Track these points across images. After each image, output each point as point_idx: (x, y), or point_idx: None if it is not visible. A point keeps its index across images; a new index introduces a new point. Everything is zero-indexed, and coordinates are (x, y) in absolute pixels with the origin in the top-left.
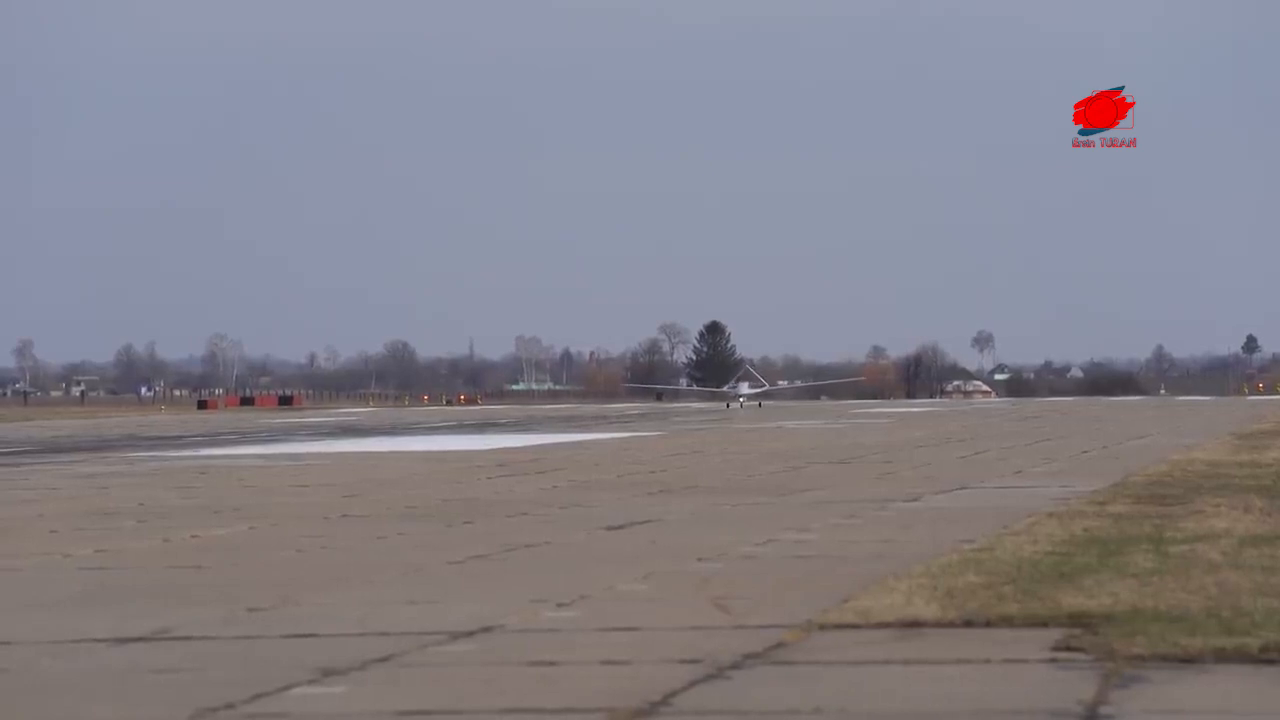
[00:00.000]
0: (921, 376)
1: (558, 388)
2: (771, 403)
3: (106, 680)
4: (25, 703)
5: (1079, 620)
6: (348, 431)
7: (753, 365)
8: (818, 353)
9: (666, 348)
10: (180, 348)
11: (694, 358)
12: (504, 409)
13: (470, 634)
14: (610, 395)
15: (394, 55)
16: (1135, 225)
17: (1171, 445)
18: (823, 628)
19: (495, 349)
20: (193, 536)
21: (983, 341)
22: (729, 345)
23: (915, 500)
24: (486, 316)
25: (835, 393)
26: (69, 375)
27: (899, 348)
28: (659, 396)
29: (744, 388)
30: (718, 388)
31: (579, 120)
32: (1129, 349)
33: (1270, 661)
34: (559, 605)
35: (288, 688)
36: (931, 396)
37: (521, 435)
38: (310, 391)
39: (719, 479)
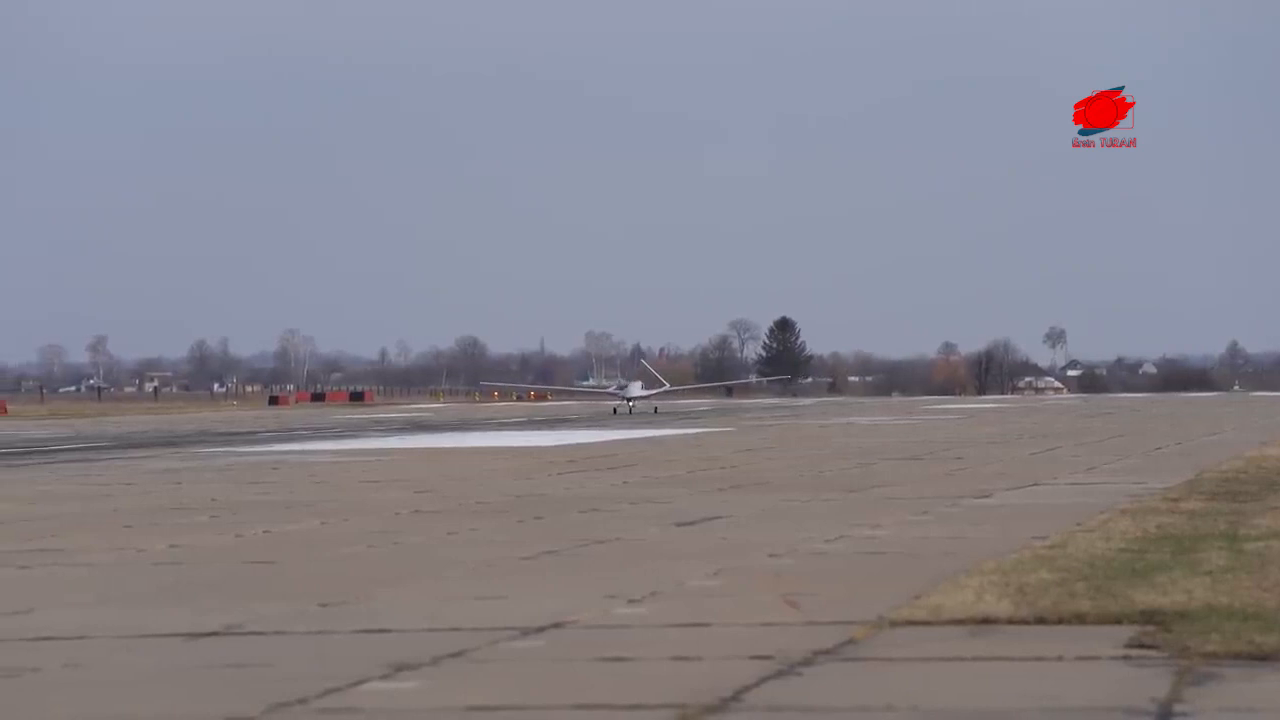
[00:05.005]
0: (993, 373)
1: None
2: (671, 403)
3: (180, 674)
4: (101, 696)
5: (1152, 617)
6: (418, 427)
7: (823, 361)
8: (889, 349)
9: (736, 344)
10: (252, 344)
11: (764, 354)
12: (576, 405)
13: (541, 630)
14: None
15: (461, 54)
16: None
17: (1246, 441)
18: (894, 624)
19: (565, 345)
20: (265, 532)
21: (1054, 337)
22: (799, 341)
23: (986, 497)
24: (557, 312)
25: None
26: (142, 371)
27: (970, 344)
28: (729, 392)
29: (635, 388)
30: (613, 387)
31: (647, 116)
32: (1202, 345)
33: None
34: (630, 601)
35: (359, 682)
36: (1003, 393)
37: (592, 431)
38: (380, 387)
39: (789, 475)
